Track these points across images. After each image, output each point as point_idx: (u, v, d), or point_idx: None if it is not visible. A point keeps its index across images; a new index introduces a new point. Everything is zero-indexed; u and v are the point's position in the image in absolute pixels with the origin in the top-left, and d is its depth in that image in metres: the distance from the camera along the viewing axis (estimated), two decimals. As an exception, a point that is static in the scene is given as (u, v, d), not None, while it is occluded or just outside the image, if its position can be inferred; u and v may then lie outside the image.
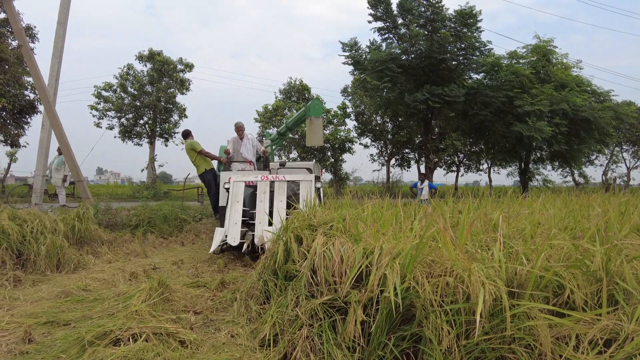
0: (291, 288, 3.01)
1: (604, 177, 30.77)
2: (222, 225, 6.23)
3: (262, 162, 8.06)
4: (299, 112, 8.96)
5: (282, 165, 7.71)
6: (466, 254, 2.31)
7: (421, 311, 2.13)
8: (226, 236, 5.49)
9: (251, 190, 6.01)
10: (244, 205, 5.75)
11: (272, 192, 5.79)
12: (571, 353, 1.84)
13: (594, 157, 27.49)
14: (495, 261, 2.27)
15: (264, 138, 10.19)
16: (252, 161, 7.64)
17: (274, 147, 10.63)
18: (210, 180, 7.55)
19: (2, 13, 14.81)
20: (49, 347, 2.73)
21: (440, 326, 2.00)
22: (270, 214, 5.54)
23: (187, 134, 8.02)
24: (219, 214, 6.80)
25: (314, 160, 12.41)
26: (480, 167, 27.24)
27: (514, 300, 2.05)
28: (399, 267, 2.26)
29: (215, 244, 5.59)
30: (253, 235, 5.50)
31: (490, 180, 27.57)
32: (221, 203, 6.53)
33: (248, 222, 5.81)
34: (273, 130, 15.59)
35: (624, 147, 30.98)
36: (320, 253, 2.85)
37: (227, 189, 5.88)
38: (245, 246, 5.41)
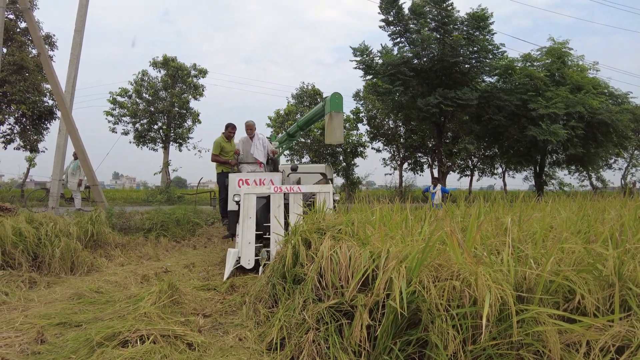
0: (299, 292, 3.00)
1: (623, 181, 30.01)
2: (230, 231, 5.90)
3: (271, 164, 7.58)
4: (314, 108, 8.30)
5: (294, 169, 7.36)
6: (474, 258, 2.28)
7: (427, 315, 2.11)
8: (239, 258, 5.06)
9: (264, 202, 5.54)
10: (256, 219, 5.24)
11: (286, 204, 5.29)
12: (581, 360, 1.80)
13: (612, 160, 26.83)
14: (504, 265, 2.23)
15: (270, 141, 9.81)
16: (263, 162, 7.20)
17: (282, 148, 10.33)
18: (222, 183, 7.12)
19: (22, 22, 15.25)
20: (60, 348, 2.78)
21: (446, 331, 1.97)
22: (286, 225, 4.99)
23: (226, 127, 7.56)
24: (228, 219, 6.39)
25: (325, 163, 11.83)
26: (495, 171, 26.87)
27: (523, 305, 2.00)
28: (405, 270, 2.24)
29: (228, 270, 5.02)
30: (269, 253, 5.00)
31: (505, 185, 27.18)
32: (230, 207, 6.09)
33: (262, 238, 5.33)
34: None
35: (644, 150, 30.15)
36: (327, 256, 2.84)
37: (237, 202, 5.42)
38: (261, 267, 4.85)
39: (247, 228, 5.13)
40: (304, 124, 9.23)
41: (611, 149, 18.42)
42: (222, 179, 7.08)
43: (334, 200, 5.35)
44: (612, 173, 29.54)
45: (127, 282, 4.81)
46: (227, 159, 7.28)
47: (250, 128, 7.14)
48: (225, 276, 4.93)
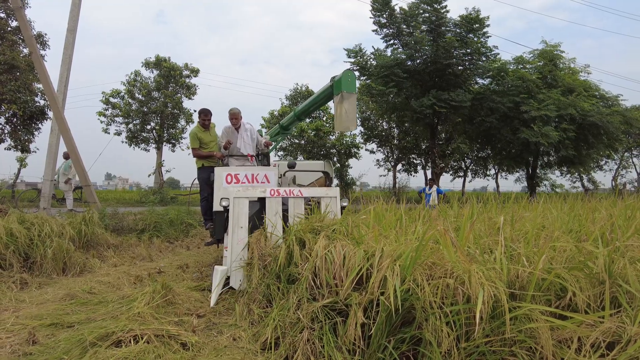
0: (293, 291, 3.01)
1: (613, 182, 30.37)
2: (215, 237, 5.08)
3: (262, 159, 6.59)
4: (318, 90, 6.70)
5: (291, 166, 6.46)
6: (467, 256, 2.29)
7: (421, 313, 2.12)
8: (228, 277, 4.12)
9: (257, 207, 4.52)
10: (248, 227, 4.29)
11: (284, 210, 4.44)
12: (573, 356, 1.82)
13: (603, 162, 27.16)
14: (497, 263, 2.25)
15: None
16: (253, 155, 6.14)
17: (276, 142, 9.45)
18: (204, 179, 5.95)
19: (14, 21, 15.09)
20: (52, 349, 2.75)
21: (439, 328, 1.99)
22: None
23: (198, 115, 6.25)
24: (213, 222, 5.27)
25: (323, 160, 10.49)
26: (488, 173, 27.09)
27: (516, 303, 2.03)
28: (399, 269, 2.25)
29: (216, 294, 3.98)
30: None
31: (498, 186, 27.41)
32: (215, 207, 5.05)
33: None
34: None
35: (634, 152, 30.53)
36: (321, 256, 2.85)
37: (225, 207, 4.40)
38: None
39: (237, 240, 4.20)
40: (303, 112, 7.89)
41: (602, 150, 18.63)
42: (204, 175, 5.98)
43: (341, 207, 4.53)
44: (603, 174, 29.93)
45: (120, 282, 4.77)
46: (210, 152, 6.10)
47: (235, 117, 5.99)
48: (212, 302, 3.92)
